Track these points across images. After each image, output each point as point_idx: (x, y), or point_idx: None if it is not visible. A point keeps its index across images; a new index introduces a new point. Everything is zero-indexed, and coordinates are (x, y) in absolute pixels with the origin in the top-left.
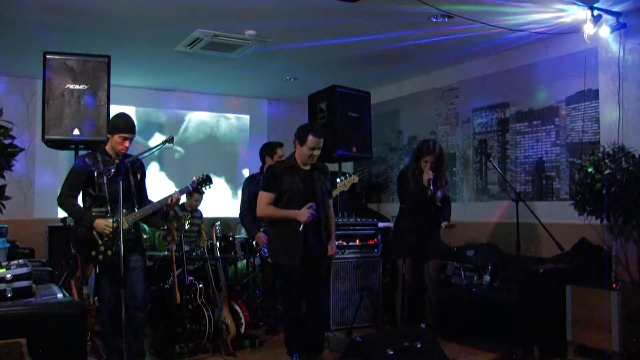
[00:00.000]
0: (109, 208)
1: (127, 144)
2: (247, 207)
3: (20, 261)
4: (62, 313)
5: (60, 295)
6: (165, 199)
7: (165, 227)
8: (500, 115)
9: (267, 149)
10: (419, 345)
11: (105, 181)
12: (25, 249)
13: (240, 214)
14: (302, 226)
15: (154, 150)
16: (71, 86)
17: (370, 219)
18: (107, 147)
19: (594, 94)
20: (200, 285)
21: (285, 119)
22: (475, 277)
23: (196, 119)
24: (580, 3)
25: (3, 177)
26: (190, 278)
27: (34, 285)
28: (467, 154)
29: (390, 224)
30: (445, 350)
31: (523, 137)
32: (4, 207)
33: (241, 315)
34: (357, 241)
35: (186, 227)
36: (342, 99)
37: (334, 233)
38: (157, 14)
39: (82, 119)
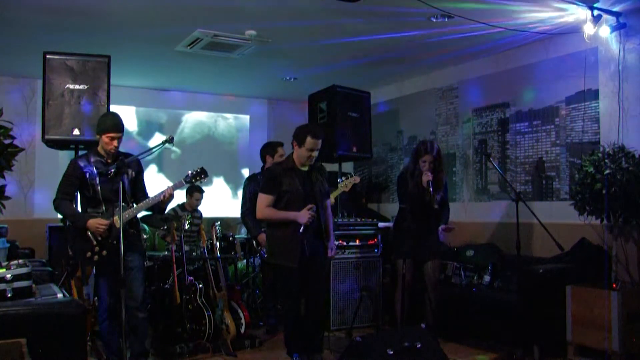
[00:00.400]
0: (103, 208)
1: (115, 143)
2: (248, 206)
3: (20, 261)
4: (62, 313)
5: (60, 295)
6: (159, 195)
7: (165, 227)
8: (500, 115)
9: (268, 148)
10: (419, 345)
11: (97, 182)
12: (25, 249)
13: (241, 214)
14: (302, 227)
15: (153, 150)
16: (71, 86)
17: (370, 219)
18: (99, 148)
19: (594, 94)
20: (200, 285)
21: (285, 119)
22: (475, 277)
23: (196, 119)
24: (580, 3)
25: (3, 177)
26: (190, 278)
27: (34, 285)
28: (467, 154)
29: (390, 224)
30: (445, 350)
31: (523, 137)
32: (4, 207)
33: (241, 315)
34: (357, 241)
35: (186, 227)
36: (342, 99)
37: (333, 234)
38: (157, 14)
39: (82, 119)
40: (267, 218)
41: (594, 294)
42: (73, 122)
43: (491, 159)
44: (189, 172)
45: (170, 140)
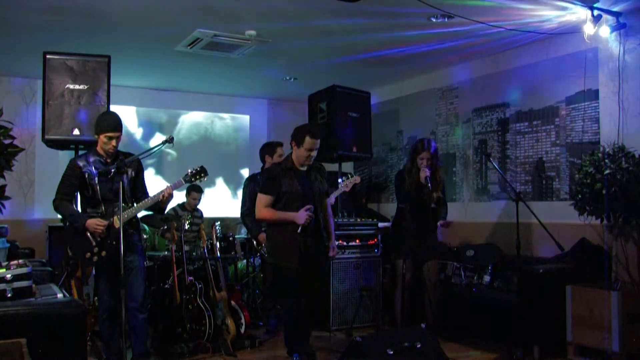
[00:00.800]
0: (103, 208)
1: (114, 142)
2: (248, 206)
3: (20, 261)
4: (62, 313)
5: (60, 295)
6: (158, 194)
7: (165, 227)
8: (500, 115)
9: (267, 148)
10: (419, 345)
11: (97, 182)
12: (25, 249)
13: (241, 214)
14: (299, 228)
15: (153, 150)
16: (71, 86)
17: (370, 219)
18: (98, 148)
19: (594, 94)
20: (200, 285)
21: (285, 119)
22: (475, 277)
23: (195, 119)
24: (580, 3)
25: (3, 177)
26: (190, 278)
27: (34, 285)
28: (467, 154)
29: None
30: (445, 350)
31: (523, 137)
32: (4, 207)
33: (241, 315)
34: (357, 241)
35: (186, 227)
36: (342, 99)
37: (334, 233)
38: (157, 14)
39: (82, 119)
40: (266, 218)
41: (594, 294)
42: (73, 122)
43: (491, 159)
44: (189, 170)
45: (170, 140)
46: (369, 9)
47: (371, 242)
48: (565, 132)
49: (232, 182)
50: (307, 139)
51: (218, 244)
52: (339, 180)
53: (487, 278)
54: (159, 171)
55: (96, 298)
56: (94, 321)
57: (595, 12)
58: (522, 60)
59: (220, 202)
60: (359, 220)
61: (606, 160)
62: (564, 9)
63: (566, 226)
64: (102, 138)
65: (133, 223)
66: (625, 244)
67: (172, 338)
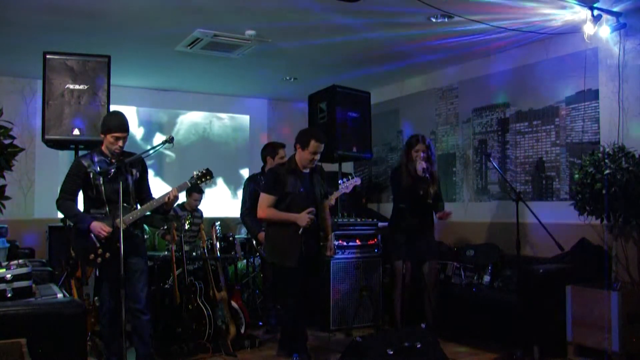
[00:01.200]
0: (107, 209)
1: (120, 143)
2: (248, 206)
3: (20, 261)
4: (62, 313)
5: (60, 295)
6: (163, 196)
7: (165, 227)
8: (500, 115)
9: (269, 149)
10: (419, 345)
11: (101, 182)
12: (25, 249)
13: (241, 214)
14: (301, 230)
15: (154, 150)
16: (71, 86)
17: (370, 219)
18: (103, 147)
19: (594, 94)
20: (200, 285)
21: (285, 119)
22: (475, 277)
23: (194, 119)
24: (580, 3)
25: (3, 177)
26: (191, 278)
27: (34, 285)
28: (467, 154)
29: None
30: (445, 350)
31: (523, 137)
32: (4, 207)
33: (241, 315)
34: (357, 241)
35: (186, 227)
36: (342, 99)
37: (331, 234)
38: (157, 14)
39: (82, 119)
40: (268, 218)
41: (594, 294)
42: (73, 122)
43: (491, 159)
44: (194, 172)
45: (170, 140)
46: (369, 9)
47: (371, 242)
48: (565, 132)
49: (232, 182)
50: (313, 142)
51: (218, 244)
52: (340, 181)
53: (487, 278)
54: (158, 173)
55: (96, 298)
56: (94, 321)
57: (595, 12)
58: (522, 60)
59: (220, 202)
60: (359, 220)
61: (606, 160)
62: (564, 8)
63: (566, 226)
64: (109, 138)
65: (137, 225)
66: (625, 244)
67: (172, 338)
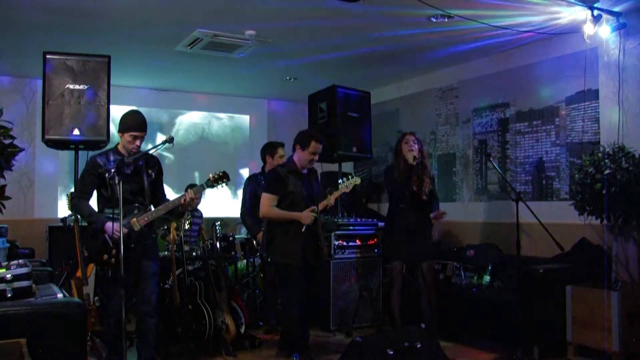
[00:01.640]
0: (122, 209)
1: (138, 142)
2: (248, 206)
3: (20, 261)
4: (62, 313)
5: (60, 295)
6: (179, 198)
7: (165, 227)
8: (500, 115)
9: (268, 149)
10: (419, 345)
11: (117, 181)
12: (25, 249)
13: (241, 214)
14: (304, 228)
15: (153, 150)
16: (71, 86)
17: (370, 219)
18: (119, 146)
19: (594, 94)
20: (200, 285)
21: (285, 119)
22: (475, 277)
23: (192, 120)
24: (580, 3)
25: (3, 177)
26: (191, 278)
27: (34, 285)
28: (467, 154)
29: None
30: (445, 350)
31: (523, 137)
32: (4, 207)
33: (241, 315)
34: (357, 241)
35: (186, 227)
36: (342, 99)
37: (324, 234)
38: (157, 14)
39: (82, 119)
40: (271, 217)
41: (594, 294)
42: (73, 122)
43: (491, 159)
44: (210, 175)
45: (170, 140)
46: (369, 9)
47: (371, 242)
48: (565, 132)
49: (232, 182)
50: (313, 143)
51: (218, 244)
52: (339, 181)
53: (487, 278)
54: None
55: (96, 298)
56: (94, 321)
57: (595, 12)
58: (522, 60)
59: (220, 202)
60: (359, 220)
61: (606, 160)
62: (564, 9)
63: (566, 226)
64: (127, 137)
65: (151, 226)
66: (625, 244)
67: (172, 338)
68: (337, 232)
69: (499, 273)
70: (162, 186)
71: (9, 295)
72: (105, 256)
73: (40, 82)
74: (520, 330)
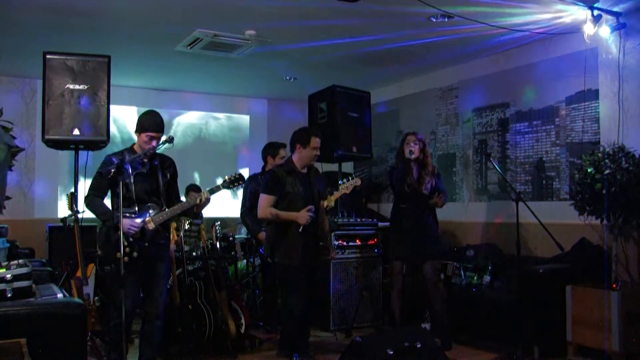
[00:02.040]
0: (136, 208)
1: (154, 143)
2: (248, 206)
3: (20, 261)
4: (62, 313)
5: (60, 295)
6: (194, 199)
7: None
8: (500, 115)
9: (270, 149)
10: (419, 345)
11: (132, 181)
12: (25, 249)
13: (241, 213)
14: (301, 228)
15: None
16: (71, 86)
17: (370, 219)
18: (135, 146)
19: (594, 94)
20: (200, 285)
21: (285, 119)
22: (475, 277)
23: (190, 120)
24: (580, 3)
25: None
26: (191, 278)
27: (34, 285)
28: (467, 154)
29: None
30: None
31: (523, 137)
32: (4, 207)
33: (241, 315)
34: (357, 241)
35: (186, 227)
36: (342, 99)
37: (329, 234)
38: (157, 14)
39: (82, 119)
40: (269, 217)
41: (594, 294)
42: (73, 122)
43: (491, 159)
44: (226, 177)
45: (170, 141)
46: (369, 9)
47: (371, 242)
48: (565, 132)
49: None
50: (313, 138)
51: (218, 244)
52: (340, 182)
53: (487, 278)
54: None
55: (96, 298)
56: (94, 321)
57: (595, 12)
58: (522, 60)
59: (220, 202)
60: (359, 220)
61: (606, 160)
62: (563, 9)
63: (566, 226)
64: (143, 137)
65: (165, 227)
66: (625, 244)
67: (172, 338)
68: (337, 232)
69: (499, 273)
70: (177, 187)
71: (9, 295)
72: (119, 254)
73: (40, 82)
74: (520, 330)
